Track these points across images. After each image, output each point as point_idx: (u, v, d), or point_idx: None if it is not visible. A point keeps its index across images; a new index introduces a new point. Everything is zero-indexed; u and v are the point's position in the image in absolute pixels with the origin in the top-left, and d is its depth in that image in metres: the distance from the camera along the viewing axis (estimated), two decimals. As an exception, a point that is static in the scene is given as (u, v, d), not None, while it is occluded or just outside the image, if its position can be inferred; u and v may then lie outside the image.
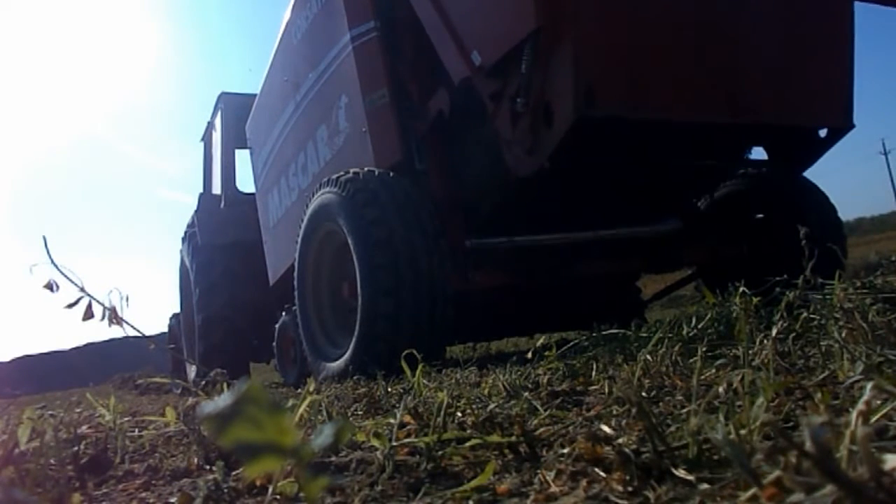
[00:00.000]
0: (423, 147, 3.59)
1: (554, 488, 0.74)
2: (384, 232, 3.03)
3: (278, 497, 0.83)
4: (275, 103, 5.33)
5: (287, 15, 4.80)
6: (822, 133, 3.39)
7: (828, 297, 1.42)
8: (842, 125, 3.30)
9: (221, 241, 6.91)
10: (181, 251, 7.86)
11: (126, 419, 1.59)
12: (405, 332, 2.93)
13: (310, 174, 4.66)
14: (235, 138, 7.21)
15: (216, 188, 7.72)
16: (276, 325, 5.29)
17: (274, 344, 5.39)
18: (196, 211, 7.43)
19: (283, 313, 5.09)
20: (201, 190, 8.09)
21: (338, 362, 3.36)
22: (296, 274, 3.95)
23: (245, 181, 11.69)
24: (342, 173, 3.39)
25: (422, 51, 3.64)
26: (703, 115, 3.02)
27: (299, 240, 3.86)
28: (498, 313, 4.44)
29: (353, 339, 3.18)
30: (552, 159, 2.84)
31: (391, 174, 3.36)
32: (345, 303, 3.59)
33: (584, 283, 4.26)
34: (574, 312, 4.61)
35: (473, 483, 0.79)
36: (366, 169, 3.40)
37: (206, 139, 8.34)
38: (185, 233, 7.69)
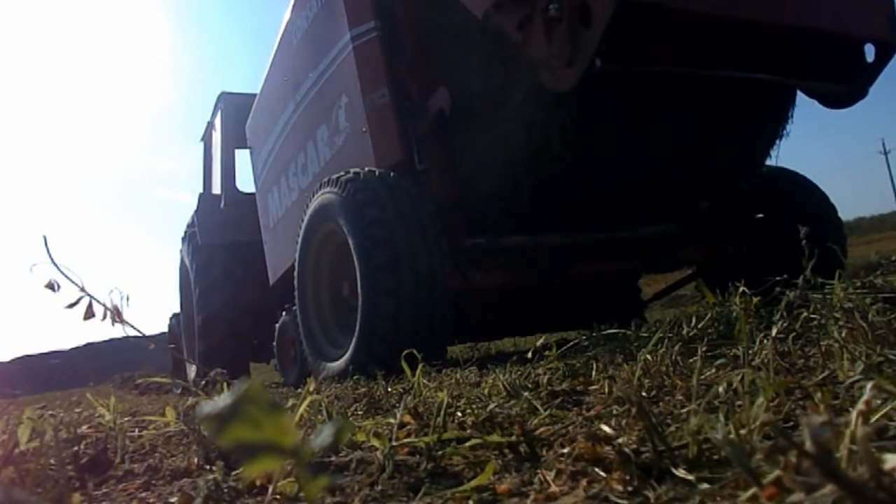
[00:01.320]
0: (423, 147, 3.57)
1: (554, 488, 0.74)
2: (384, 232, 3.03)
3: (278, 497, 0.83)
4: (275, 103, 5.33)
5: (287, 15, 4.80)
6: (870, 58, 3.25)
7: (828, 296, 1.42)
8: (890, 38, 3.18)
9: (221, 241, 6.91)
10: (181, 251, 7.87)
11: (126, 419, 1.59)
12: (405, 332, 2.93)
13: (310, 174, 4.66)
14: (235, 138, 7.21)
15: (216, 188, 7.73)
16: (276, 325, 5.30)
17: (274, 344, 5.39)
18: (196, 211, 7.43)
19: (283, 313, 5.10)
20: (201, 190, 8.09)
21: (338, 362, 3.36)
22: (296, 274, 3.95)
23: (245, 181, 11.69)
24: (342, 173, 3.39)
25: (422, 49, 3.63)
26: (745, 10, 2.87)
27: (299, 240, 3.86)
28: (498, 313, 4.44)
29: (354, 339, 3.18)
30: (600, 56, 2.67)
31: (391, 174, 3.36)
32: (345, 302, 3.59)
33: (585, 283, 4.25)
34: (574, 312, 4.61)
35: (473, 483, 0.79)
36: (366, 169, 3.40)
37: (206, 139, 8.34)
38: (185, 233, 7.69)
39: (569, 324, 4.70)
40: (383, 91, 3.64)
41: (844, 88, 3.34)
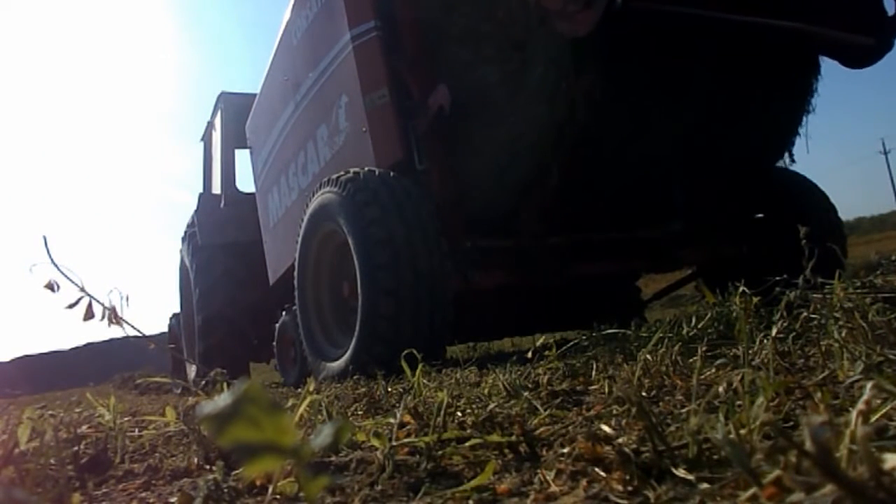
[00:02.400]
0: (423, 146, 3.56)
1: (554, 488, 0.74)
2: (384, 232, 3.03)
3: (278, 497, 0.83)
4: (275, 103, 5.33)
5: (287, 14, 4.80)
6: (891, 11, 3.18)
7: (828, 296, 1.42)
8: None
9: (221, 241, 6.91)
10: (181, 251, 7.87)
11: (126, 419, 1.59)
12: (405, 332, 2.93)
13: (310, 174, 4.66)
14: (235, 138, 7.22)
15: (216, 188, 7.73)
16: (276, 325, 5.30)
17: (274, 344, 5.39)
18: (196, 211, 7.43)
19: (283, 313, 5.10)
20: (201, 189, 8.10)
21: (338, 362, 3.37)
22: (296, 274, 3.95)
23: (245, 181, 11.66)
24: (342, 173, 3.39)
25: (422, 49, 3.63)
26: None
27: (299, 240, 3.86)
28: (498, 313, 4.44)
29: (354, 339, 3.18)
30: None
31: (391, 174, 3.36)
32: (345, 303, 3.59)
33: (584, 283, 4.25)
34: (574, 312, 4.61)
35: (473, 483, 0.79)
36: (366, 169, 3.40)
37: (206, 139, 8.34)
38: (185, 233, 7.69)
39: (569, 324, 4.70)
40: (383, 91, 3.64)
41: (870, 40, 3.23)
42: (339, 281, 3.67)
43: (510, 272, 3.64)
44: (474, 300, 3.65)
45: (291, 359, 5.14)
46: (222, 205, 7.40)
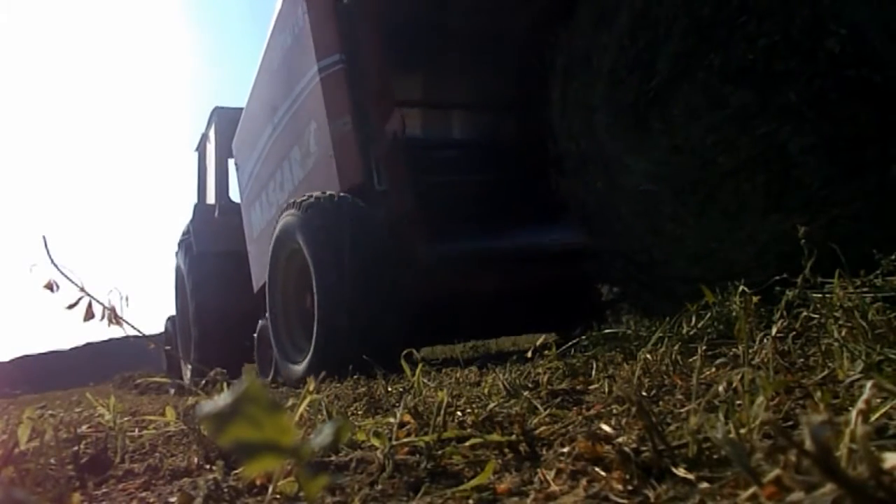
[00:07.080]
0: (382, 168, 3.79)
1: (554, 487, 0.74)
2: (333, 254, 3.30)
3: (278, 496, 0.83)
4: (257, 123, 5.60)
5: (267, 39, 5.01)
6: None
7: (827, 296, 1.42)
8: None
9: (216, 250, 7.08)
10: (176, 255, 8.00)
11: (126, 419, 1.59)
12: (354, 342, 3.16)
13: (286, 191, 4.97)
14: (228, 150, 7.35)
15: (210, 198, 7.89)
16: (257, 329, 5.64)
17: (255, 345, 5.71)
18: (191, 220, 7.62)
19: (262, 320, 5.42)
20: (195, 199, 8.28)
21: (300, 365, 3.72)
22: (268, 285, 4.33)
23: (238, 192, 11.88)
24: (304, 197, 3.69)
25: (382, 77, 3.88)
26: None
27: (269, 256, 4.21)
28: (460, 318, 4.53)
29: (311, 348, 3.50)
30: None
31: (347, 197, 3.60)
32: (308, 312, 3.84)
33: (546, 287, 4.33)
34: (536, 315, 4.72)
35: (473, 482, 0.79)
36: (327, 193, 3.66)
37: (201, 150, 8.52)
38: (181, 241, 7.85)
39: (531, 326, 4.88)
40: (347, 119, 3.87)
41: None
42: (303, 293, 3.95)
43: (470, 278, 3.86)
44: (435, 305, 3.85)
45: (269, 360, 5.37)
46: (216, 214, 7.53)
